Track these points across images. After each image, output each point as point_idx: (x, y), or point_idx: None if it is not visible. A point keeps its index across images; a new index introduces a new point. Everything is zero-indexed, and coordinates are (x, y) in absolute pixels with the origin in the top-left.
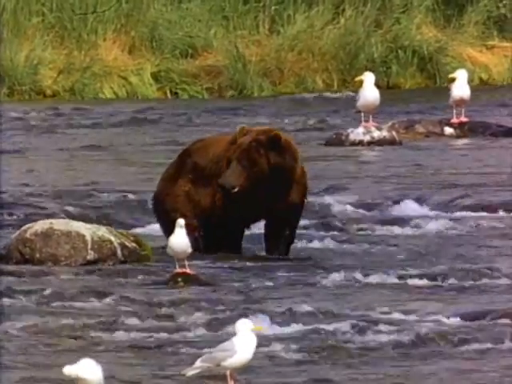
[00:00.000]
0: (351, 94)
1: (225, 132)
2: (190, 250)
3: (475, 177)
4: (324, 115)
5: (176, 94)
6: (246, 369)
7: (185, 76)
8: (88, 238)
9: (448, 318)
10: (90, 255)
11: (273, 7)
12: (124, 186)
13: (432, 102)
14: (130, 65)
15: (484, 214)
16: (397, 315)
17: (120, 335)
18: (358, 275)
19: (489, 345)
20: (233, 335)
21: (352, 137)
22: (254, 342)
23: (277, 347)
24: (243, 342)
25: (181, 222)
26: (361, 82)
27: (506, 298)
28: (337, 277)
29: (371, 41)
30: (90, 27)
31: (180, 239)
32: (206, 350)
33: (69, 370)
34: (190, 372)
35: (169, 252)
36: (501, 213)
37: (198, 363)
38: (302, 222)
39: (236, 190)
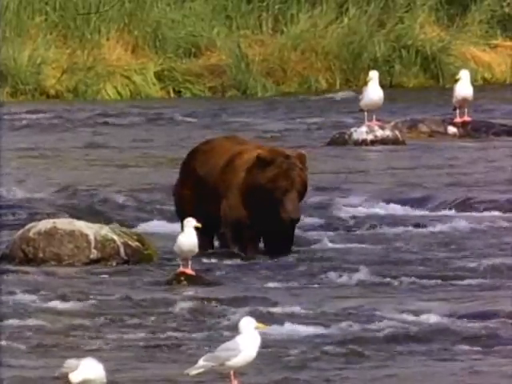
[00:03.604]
0: (355, 93)
1: (231, 134)
2: (196, 249)
3: (478, 176)
4: (327, 114)
5: (179, 93)
6: (247, 368)
7: (188, 75)
8: (91, 237)
9: (449, 317)
10: (94, 254)
11: (276, 6)
12: (127, 185)
13: (435, 101)
14: (133, 64)
15: (487, 212)
16: (398, 314)
17: (123, 334)
18: (360, 275)
19: (489, 344)
20: (236, 334)
21: (355, 136)
22: (258, 340)
23: (279, 347)
24: (247, 340)
25: (189, 221)
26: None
27: (508, 297)
28: (339, 276)
29: (374, 40)
30: (93, 26)
31: (188, 238)
32: (209, 349)
33: (75, 377)
34: (194, 371)
35: (176, 250)
36: (504, 212)
37: (201, 362)
38: (305, 222)
39: None
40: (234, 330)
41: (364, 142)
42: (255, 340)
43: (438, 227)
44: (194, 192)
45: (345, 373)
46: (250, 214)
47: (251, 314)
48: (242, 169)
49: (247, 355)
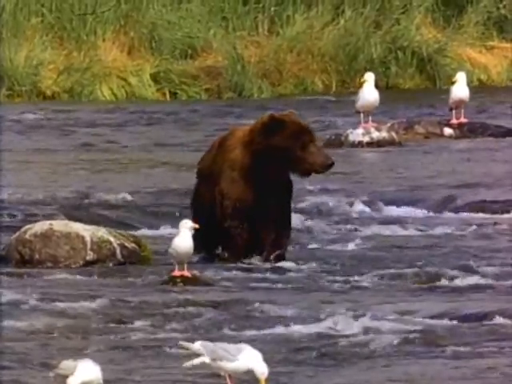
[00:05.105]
0: (352, 94)
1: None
2: (192, 252)
3: (474, 177)
4: (323, 116)
5: (175, 94)
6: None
7: (184, 77)
8: (87, 238)
9: (446, 318)
10: (90, 256)
11: (272, 8)
12: (123, 186)
13: (431, 102)
14: (129, 66)
15: (483, 214)
16: (396, 315)
17: (119, 336)
18: (357, 276)
19: (488, 345)
20: (232, 337)
21: (351, 138)
22: (258, 356)
23: (274, 348)
24: (250, 355)
25: (185, 222)
26: (363, 84)
27: (504, 299)
28: (336, 277)
29: (370, 42)
30: (89, 28)
31: (184, 241)
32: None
33: (74, 381)
34: (190, 362)
35: (171, 252)
36: (500, 213)
37: (198, 346)
38: (301, 224)
39: None
40: (231, 330)
41: (360, 144)
42: (256, 356)
43: (435, 228)
44: (204, 190)
45: (343, 374)
46: (252, 191)
47: (249, 314)
48: (233, 147)
49: (241, 366)
